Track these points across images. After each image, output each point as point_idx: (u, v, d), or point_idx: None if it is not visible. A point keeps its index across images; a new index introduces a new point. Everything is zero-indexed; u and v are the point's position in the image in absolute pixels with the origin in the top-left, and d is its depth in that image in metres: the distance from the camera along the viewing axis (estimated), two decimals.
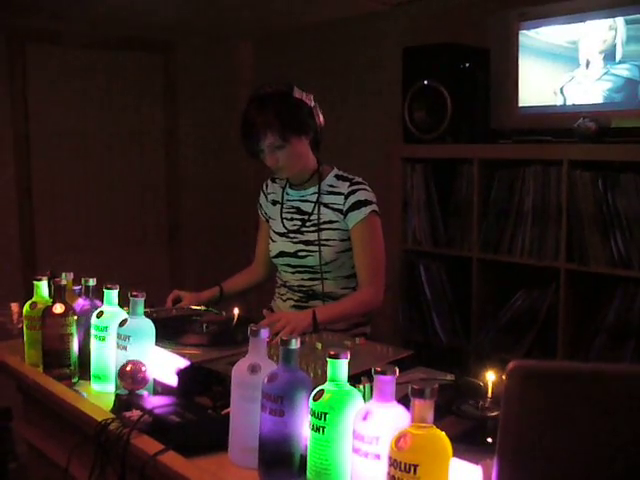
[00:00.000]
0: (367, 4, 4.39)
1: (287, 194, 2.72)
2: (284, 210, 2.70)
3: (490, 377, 1.63)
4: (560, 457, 1.09)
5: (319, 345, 2.12)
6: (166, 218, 5.34)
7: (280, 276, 2.76)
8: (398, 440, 1.19)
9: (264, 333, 1.57)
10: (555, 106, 3.43)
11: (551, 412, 1.09)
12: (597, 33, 3.24)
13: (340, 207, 2.58)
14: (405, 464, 1.16)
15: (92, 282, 2.25)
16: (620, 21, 3.16)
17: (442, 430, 1.21)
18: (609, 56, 3.21)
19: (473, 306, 3.59)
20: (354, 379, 1.49)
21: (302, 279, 2.65)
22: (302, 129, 2.52)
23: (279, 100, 2.49)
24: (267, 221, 2.79)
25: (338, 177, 2.64)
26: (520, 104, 3.53)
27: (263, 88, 2.54)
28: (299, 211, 2.66)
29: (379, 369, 1.28)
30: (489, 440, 1.44)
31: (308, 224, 2.62)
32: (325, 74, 4.79)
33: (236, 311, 2.36)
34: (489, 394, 1.63)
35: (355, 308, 2.55)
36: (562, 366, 1.14)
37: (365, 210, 2.55)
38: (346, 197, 2.57)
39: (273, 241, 2.72)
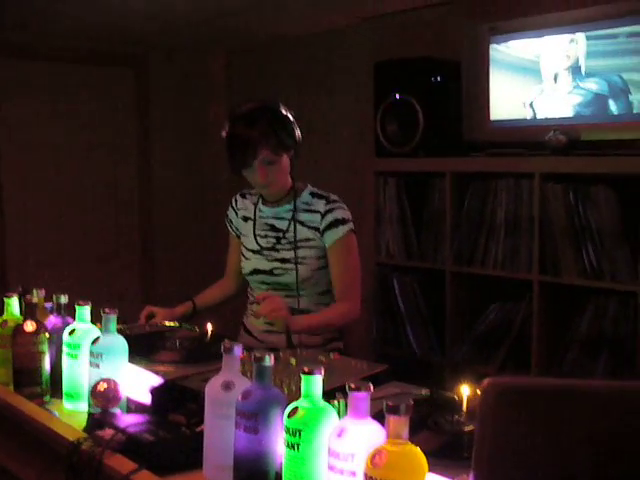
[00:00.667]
0: (338, 19, 4.41)
1: (260, 210, 2.68)
2: (257, 227, 2.67)
3: (465, 391, 1.63)
4: (536, 473, 1.09)
5: (293, 361, 2.10)
6: (138, 233, 5.32)
7: (252, 292, 2.73)
8: (374, 457, 1.18)
9: (237, 350, 1.56)
10: (526, 119, 3.46)
11: (526, 428, 1.09)
12: (562, 48, 3.28)
13: (317, 225, 2.57)
14: None
15: (64, 299, 2.21)
16: (586, 36, 3.20)
17: (417, 445, 1.21)
18: (576, 70, 3.25)
19: (447, 319, 3.60)
20: (328, 395, 1.48)
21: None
22: (290, 145, 2.52)
23: (270, 114, 2.48)
24: (238, 237, 2.76)
25: (313, 194, 2.62)
26: (492, 117, 3.56)
27: (247, 104, 2.52)
28: (273, 228, 2.64)
29: (353, 385, 1.28)
30: (465, 455, 1.43)
31: (283, 241, 2.60)
32: (297, 88, 4.80)
33: (209, 327, 2.35)
34: (464, 408, 1.63)
35: (335, 318, 2.55)
36: (536, 382, 1.14)
37: (343, 229, 2.55)
38: (323, 215, 2.56)
39: (246, 258, 2.68)
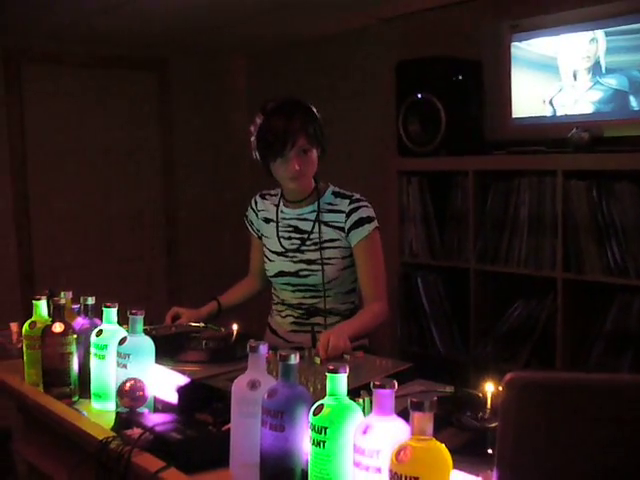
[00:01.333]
0: (360, 19, 4.42)
1: (282, 212, 2.69)
2: (280, 229, 2.67)
3: (489, 388, 1.64)
4: (558, 468, 1.10)
5: (317, 360, 2.12)
6: (164, 234, 5.36)
7: (277, 293, 2.73)
8: (398, 453, 1.19)
9: (263, 349, 1.58)
10: (548, 117, 3.45)
11: (548, 423, 1.10)
12: (583, 45, 3.27)
13: (342, 225, 2.57)
14: (406, 477, 1.17)
15: (91, 301, 2.24)
16: (601, 33, 3.20)
17: (442, 442, 1.22)
18: (596, 67, 3.24)
19: (471, 317, 3.60)
20: (353, 393, 1.49)
21: (303, 297, 2.63)
22: (320, 140, 2.54)
23: (304, 108, 2.51)
24: (259, 238, 2.76)
25: (336, 194, 2.63)
26: (513, 115, 3.55)
27: (277, 100, 2.54)
28: (297, 230, 2.64)
29: (378, 383, 1.29)
30: (489, 451, 1.44)
31: (308, 243, 2.60)
32: (319, 89, 4.81)
33: (235, 327, 2.36)
34: (488, 405, 1.64)
35: (372, 321, 2.54)
36: (559, 377, 1.14)
37: (368, 227, 2.55)
38: (347, 215, 2.56)
39: (270, 260, 2.68)
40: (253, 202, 2.78)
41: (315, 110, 2.54)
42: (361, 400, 1.54)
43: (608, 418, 1.10)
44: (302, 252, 2.60)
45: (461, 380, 3.29)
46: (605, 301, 3.16)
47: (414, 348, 3.85)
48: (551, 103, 3.42)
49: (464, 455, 1.38)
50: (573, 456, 1.09)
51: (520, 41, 3.50)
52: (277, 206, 2.70)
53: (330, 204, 2.60)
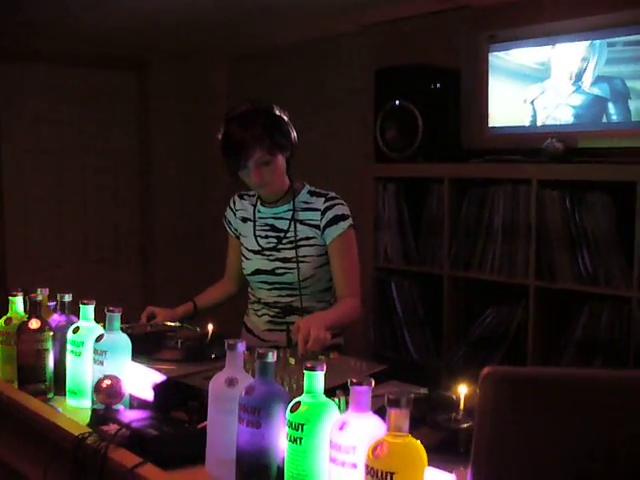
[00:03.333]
0: (340, 25, 4.44)
1: (259, 211, 2.71)
2: (257, 228, 2.70)
3: (462, 390, 1.67)
4: (534, 462, 1.12)
5: (292, 360, 2.14)
6: (139, 235, 5.35)
7: (253, 292, 2.75)
8: (375, 448, 1.21)
9: (241, 347, 1.59)
10: (524, 126, 3.50)
11: (524, 417, 1.12)
12: (565, 56, 3.32)
13: (317, 223, 2.60)
14: (382, 472, 1.19)
15: (68, 298, 2.24)
16: (586, 45, 3.25)
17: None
18: (577, 77, 3.29)
19: (444, 323, 3.64)
20: (329, 393, 1.51)
21: (279, 295, 2.66)
22: (285, 145, 2.54)
23: (264, 116, 2.51)
24: (237, 237, 2.79)
25: (312, 193, 2.66)
26: (490, 124, 3.60)
27: (241, 106, 2.56)
28: (273, 228, 2.67)
29: (355, 380, 1.31)
30: (462, 450, 1.47)
31: (284, 241, 2.63)
32: (297, 94, 4.84)
33: (210, 327, 2.37)
34: (461, 406, 1.67)
35: (348, 313, 2.55)
36: (535, 371, 1.17)
37: (343, 225, 2.58)
38: (322, 213, 2.59)
39: (247, 259, 2.71)
40: (232, 202, 2.81)
41: (279, 114, 2.55)
42: (337, 399, 1.56)
43: (584, 411, 1.12)
44: (278, 250, 2.63)
45: (434, 384, 3.32)
46: (576, 309, 3.22)
47: (387, 352, 3.88)
48: (530, 113, 3.47)
49: (438, 454, 1.40)
50: (549, 449, 1.11)
51: (499, 51, 3.55)
52: (254, 206, 2.72)
53: (305, 202, 2.63)
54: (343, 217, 2.59)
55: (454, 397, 1.73)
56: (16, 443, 2.29)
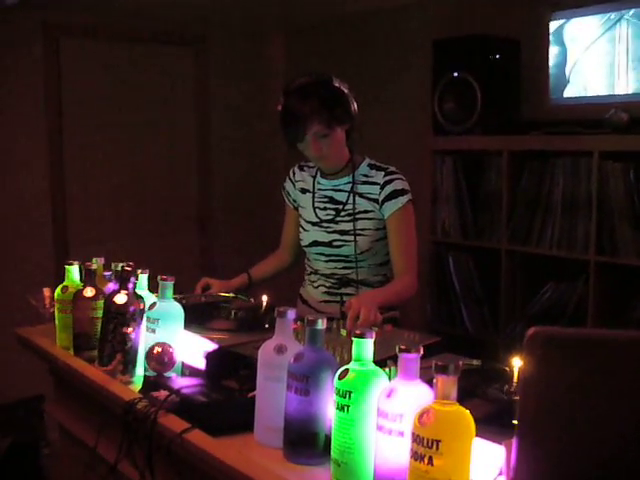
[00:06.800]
0: None
1: (319, 183, 2.70)
2: (316, 199, 2.69)
3: (516, 362, 1.63)
4: (579, 427, 1.08)
5: (344, 332, 2.13)
6: (197, 207, 5.39)
7: (310, 264, 2.76)
8: (421, 416, 1.19)
9: (290, 314, 1.58)
10: (586, 97, 3.41)
11: (570, 379, 1.08)
12: (622, 25, 3.22)
13: (376, 197, 2.58)
14: (427, 440, 1.17)
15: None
16: None
17: None
18: (637, 48, 3.19)
19: (501, 298, 3.59)
20: (381, 364, 1.49)
21: (335, 267, 2.65)
22: (344, 118, 2.52)
23: (322, 89, 2.48)
24: (295, 209, 2.78)
25: (372, 166, 2.63)
26: (551, 95, 3.52)
27: (300, 78, 2.54)
28: (332, 200, 2.65)
29: (403, 347, 1.29)
30: (514, 422, 1.43)
31: (343, 214, 2.61)
32: (356, 66, 4.79)
33: (264, 298, 2.38)
34: (515, 379, 1.63)
35: (402, 292, 2.54)
36: (583, 332, 1.13)
37: (402, 199, 2.55)
38: (382, 187, 2.57)
39: (305, 230, 2.71)
40: (291, 173, 2.81)
41: (341, 87, 2.52)
42: (387, 369, 1.54)
43: (633, 373, 1.08)
44: (336, 223, 2.62)
45: (489, 358, 3.29)
46: (638, 285, 3.13)
47: (443, 327, 3.84)
48: (593, 83, 3.38)
49: (488, 425, 1.38)
50: (595, 413, 1.07)
51: (559, 20, 3.46)
52: (314, 177, 2.72)
53: (365, 176, 2.61)
54: (402, 192, 2.56)
55: (507, 370, 1.70)
56: (73, 408, 2.35)
